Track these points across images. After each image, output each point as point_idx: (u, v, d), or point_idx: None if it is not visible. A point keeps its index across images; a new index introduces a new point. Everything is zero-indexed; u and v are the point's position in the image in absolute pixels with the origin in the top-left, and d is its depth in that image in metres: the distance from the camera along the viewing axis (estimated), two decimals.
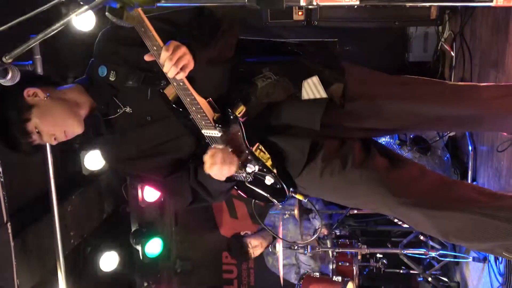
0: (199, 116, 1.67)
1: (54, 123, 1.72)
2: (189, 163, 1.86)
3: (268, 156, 1.75)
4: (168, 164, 1.87)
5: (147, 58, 1.58)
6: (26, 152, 1.75)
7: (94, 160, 3.49)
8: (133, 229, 4.43)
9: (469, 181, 3.71)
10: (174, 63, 1.52)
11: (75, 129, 1.77)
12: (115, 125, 1.82)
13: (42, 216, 3.09)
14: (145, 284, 4.62)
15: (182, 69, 1.55)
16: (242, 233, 4.51)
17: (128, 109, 1.79)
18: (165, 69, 1.54)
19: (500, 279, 3.07)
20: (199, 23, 1.76)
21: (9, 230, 2.52)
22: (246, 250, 4.24)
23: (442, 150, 4.08)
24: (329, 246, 3.99)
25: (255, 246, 4.26)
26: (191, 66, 1.58)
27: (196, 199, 1.90)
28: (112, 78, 1.75)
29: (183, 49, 1.55)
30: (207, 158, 1.71)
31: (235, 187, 1.91)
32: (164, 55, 1.51)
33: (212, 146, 1.75)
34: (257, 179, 1.80)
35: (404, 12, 3.87)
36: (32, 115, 1.68)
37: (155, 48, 1.52)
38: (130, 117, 1.80)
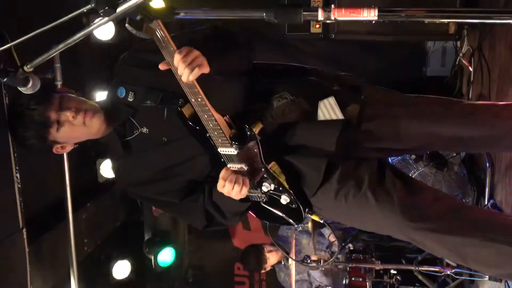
0: (216, 133, 1.67)
1: (77, 105, 1.75)
2: (205, 184, 1.86)
3: (284, 175, 1.74)
4: (184, 186, 1.86)
5: (161, 66, 1.56)
6: (36, 142, 1.73)
7: (109, 168, 3.52)
8: (146, 238, 4.44)
9: (486, 198, 3.65)
10: (187, 65, 1.49)
11: (97, 116, 1.78)
12: (132, 147, 1.84)
13: (57, 223, 3.11)
14: None
15: (196, 68, 1.52)
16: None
17: (145, 130, 1.80)
18: (179, 72, 1.51)
19: None
20: (214, 37, 1.77)
21: (25, 236, 2.54)
22: (263, 255, 4.19)
23: (459, 166, 4.03)
24: (342, 261, 3.95)
25: (270, 251, 4.22)
26: (205, 67, 1.55)
27: (211, 222, 1.90)
28: (130, 99, 1.77)
29: (197, 52, 1.53)
30: (220, 176, 1.70)
31: (250, 209, 1.90)
32: (177, 57, 1.49)
33: (228, 166, 1.74)
34: (273, 199, 1.79)
35: (422, 27, 3.86)
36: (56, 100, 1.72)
37: (171, 59, 1.52)
38: (147, 138, 1.81)
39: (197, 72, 1.52)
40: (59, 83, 2.46)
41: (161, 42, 1.46)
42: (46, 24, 1.38)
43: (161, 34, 1.44)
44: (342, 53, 4.28)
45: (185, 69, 1.50)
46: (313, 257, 3.83)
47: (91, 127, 1.78)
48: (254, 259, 4.22)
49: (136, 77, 1.80)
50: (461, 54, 4.07)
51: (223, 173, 1.70)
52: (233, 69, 1.76)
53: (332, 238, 4.07)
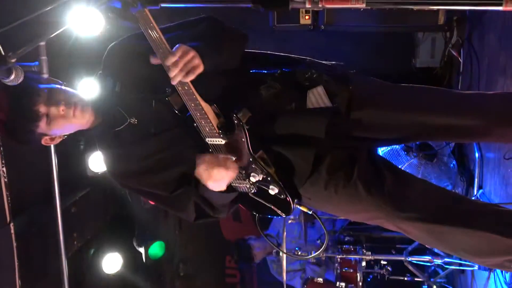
0: (203, 122, 1.66)
1: (67, 98, 1.73)
2: (193, 176, 1.84)
3: (272, 165, 1.73)
4: (173, 178, 1.84)
5: (153, 61, 1.56)
6: (25, 133, 1.72)
7: (99, 162, 3.49)
8: (136, 231, 4.42)
9: (476, 188, 3.68)
10: (180, 68, 1.50)
11: (86, 108, 1.76)
12: (121, 138, 1.82)
13: (45, 217, 3.08)
14: (148, 287, 4.61)
15: (190, 71, 1.53)
16: (246, 237, 4.49)
17: (133, 120, 1.79)
18: (170, 74, 1.52)
19: None
20: (208, 29, 1.76)
21: (12, 231, 2.52)
22: (251, 253, 4.22)
23: (449, 157, 4.05)
24: (333, 252, 3.96)
25: (258, 252, 4.25)
26: (200, 69, 1.57)
27: (200, 215, 1.88)
28: (117, 89, 1.76)
29: (192, 53, 1.54)
30: (201, 170, 1.70)
31: (238, 201, 1.89)
32: (171, 60, 1.49)
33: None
34: (261, 190, 1.78)
35: (412, 18, 3.85)
36: (44, 93, 1.70)
37: (161, 50, 1.51)
38: (136, 129, 1.80)
39: (192, 76, 1.54)
40: (45, 76, 2.43)
41: (147, 31, 1.44)
42: (29, 14, 1.36)
43: (149, 23, 1.42)
44: (331, 44, 4.27)
45: (178, 73, 1.51)
46: (303, 257, 3.85)
47: (81, 119, 1.77)
48: (244, 256, 4.26)
49: (123, 68, 1.78)
50: (450, 45, 4.08)
51: (203, 165, 1.70)
52: (224, 65, 1.74)
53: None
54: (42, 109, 1.68)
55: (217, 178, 1.70)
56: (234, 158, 1.70)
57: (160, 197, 1.90)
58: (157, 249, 4.33)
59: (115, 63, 1.81)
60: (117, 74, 1.77)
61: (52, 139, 1.82)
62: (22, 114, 1.67)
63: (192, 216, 1.89)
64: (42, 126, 1.70)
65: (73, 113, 1.73)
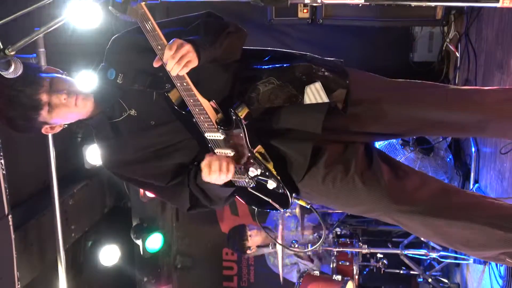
0: (202, 118, 1.67)
1: (68, 87, 1.73)
2: (190, 167, 1.86)
3: (271, 160, 1.75)
4: (170, 169, 1.86)
5: (155, 64, 1.59)
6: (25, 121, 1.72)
7: (96, 154, 3.49)
8: (134, 224, 4.44)
9: (472, 183, 3.70)
10: (177, 61, 1.53)
11: (87, 98, 1.77)
12: (119, 128, 1.83)
13: (43, 209, 3.10)
14: (145, 279, 4.64)
15: (185, 65, 1.56)
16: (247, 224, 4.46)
17: (133, 112, 1.80)
18: (167, 67, 1.55)
19: (500, 281, 3.07)
20: (205, 24, 1.77)
21: (10, 223, 2.53)
22: (245, 233, 4.19)
23: (445, 151, 4.07)
24: (329, 245, 3.98)
25: (253, 229, 4.22)
26: (194, 63, 1.59)
27: (195, 205, 1.90)
28: (119, 81, 1.77)
29: (187, 47, 1.56)
30: (203, 165, 1.71)
31: (237, 194, 1.90)
32: (167, 53, 1.52)
33: (209, 153, 1.75)
34: (260, 184, 1.79)
35: (410, 12, 3.86)
36: (46, 82, 1.70)
37: (159, 47, 1.53)
38: (135, 120, 1.81)
39: (185, 70, 1.56)
40: (43, 68, 2.43)
41: (145, 26, 1.45)
42: (28, 6, 1.36)
43: (146, 19, 1.43)
44: (329, 38, 4.27)
45: (174, 66, 1.54)
46: (299, 250, 3.85)
47: (82, 108, 1.78)
48: (236, 237, 4.22)
49: (126, 60, 1.79)
50: (448, 40, 4.09)
51: (207, 160, 1.71)
52: (221, 59, 1.76)
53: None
54: (44, 97, 1.69)
55: (213, 180, 1.73)
56: (232, 153, 1.71)
57: (156, 187, 1.92)
58: (154, 241, 4.35)
59: (118, 55, 1.82)
60: (120, 66, 1.78)
61: (52, 128, 1.83)
62: (24, 103, 1.67)
63: (186, 205, 1.91)
64: (44, 114, 1.71)
65: (75, 102, 1.74)
